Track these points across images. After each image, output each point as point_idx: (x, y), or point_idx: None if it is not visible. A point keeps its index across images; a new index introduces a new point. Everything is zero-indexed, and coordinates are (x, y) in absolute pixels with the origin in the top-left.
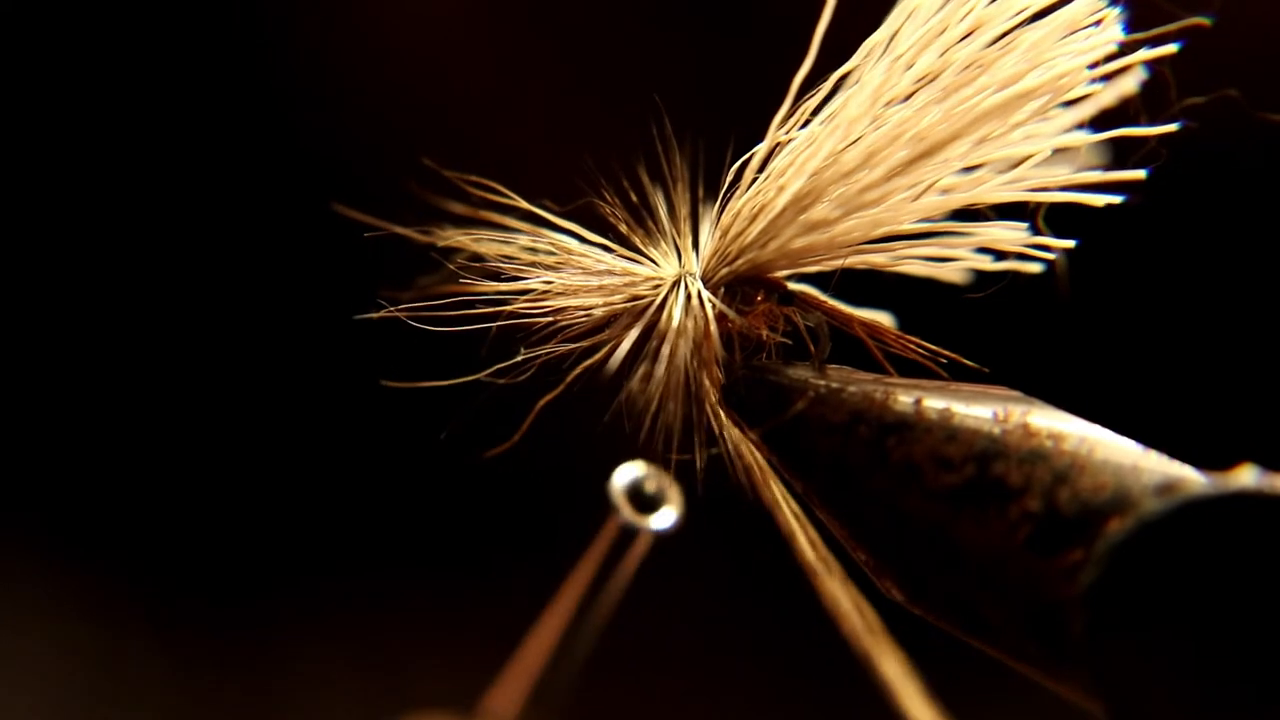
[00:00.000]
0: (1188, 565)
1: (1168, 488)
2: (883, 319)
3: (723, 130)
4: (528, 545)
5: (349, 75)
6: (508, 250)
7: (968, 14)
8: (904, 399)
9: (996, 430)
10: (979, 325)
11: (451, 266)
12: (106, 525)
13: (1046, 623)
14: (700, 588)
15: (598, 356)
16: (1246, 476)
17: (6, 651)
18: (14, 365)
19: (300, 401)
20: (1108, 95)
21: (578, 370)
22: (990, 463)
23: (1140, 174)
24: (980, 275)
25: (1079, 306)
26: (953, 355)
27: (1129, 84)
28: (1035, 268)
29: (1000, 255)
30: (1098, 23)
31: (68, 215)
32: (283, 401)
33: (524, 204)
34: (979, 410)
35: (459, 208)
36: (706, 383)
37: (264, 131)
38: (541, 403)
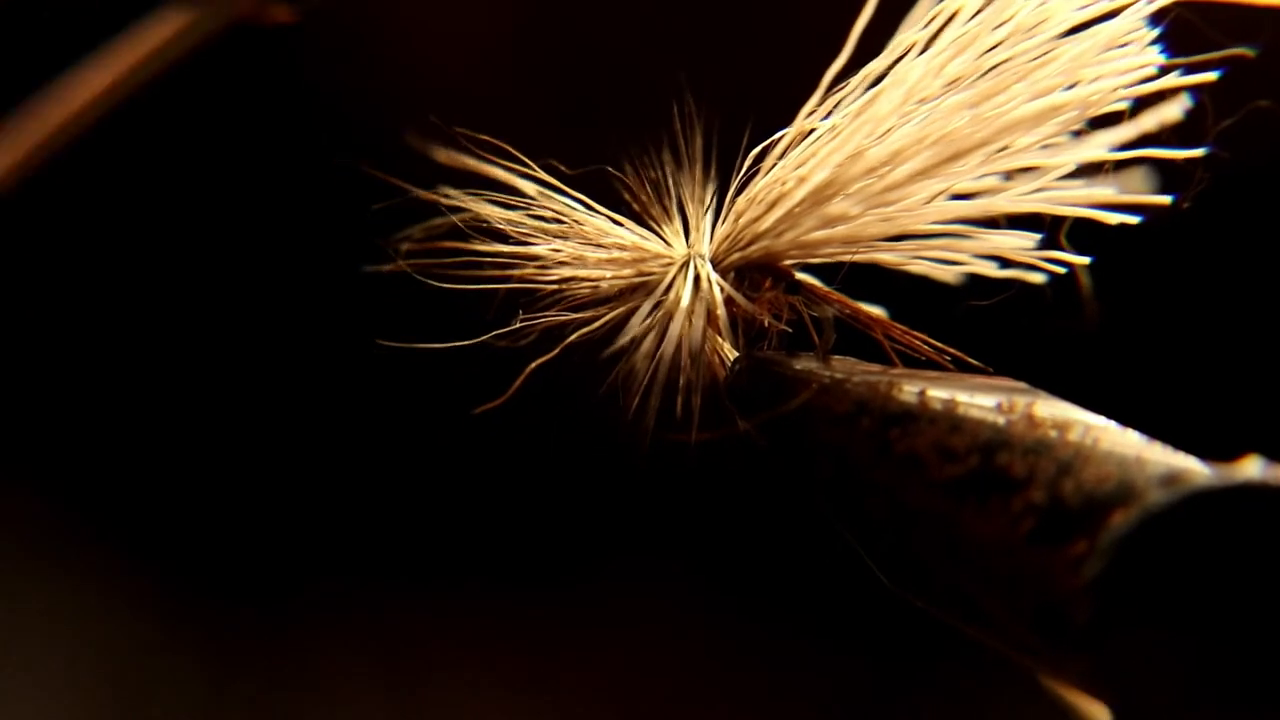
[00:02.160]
0: (1192, 557)
1: (1172, 479)
2: (881, 313)
3: (740, 115)
4: (552, 554)
5: (367, 41)
6: (515, 215)
7: (1007, 21)
8: (908, 389)
9: (1001, 421)
10: (983, 319)
11: (459, 223)
12: (128, 523)
13: (1050, 616)
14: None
15: (597, 325)
16: (1251, 468)
17: (25, 653)
18: (30, 357)
19: (327, 399)
20: (1149, 119)
21: (574, 336)
22: (994, 454)
23: (1166, 199)
24: (990, 278)
25: (1096, 318)
26: (957, 353)
27: (1173, 110)
28: (1040, 277)
29: (1007, 262)
30: (1137, 43)
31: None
32: (310, 399)
33: (535, 169)
34: (983, 400)
35: (469, 163)
36: (710, 367)
37: (275, 92)
38: (532, 365)
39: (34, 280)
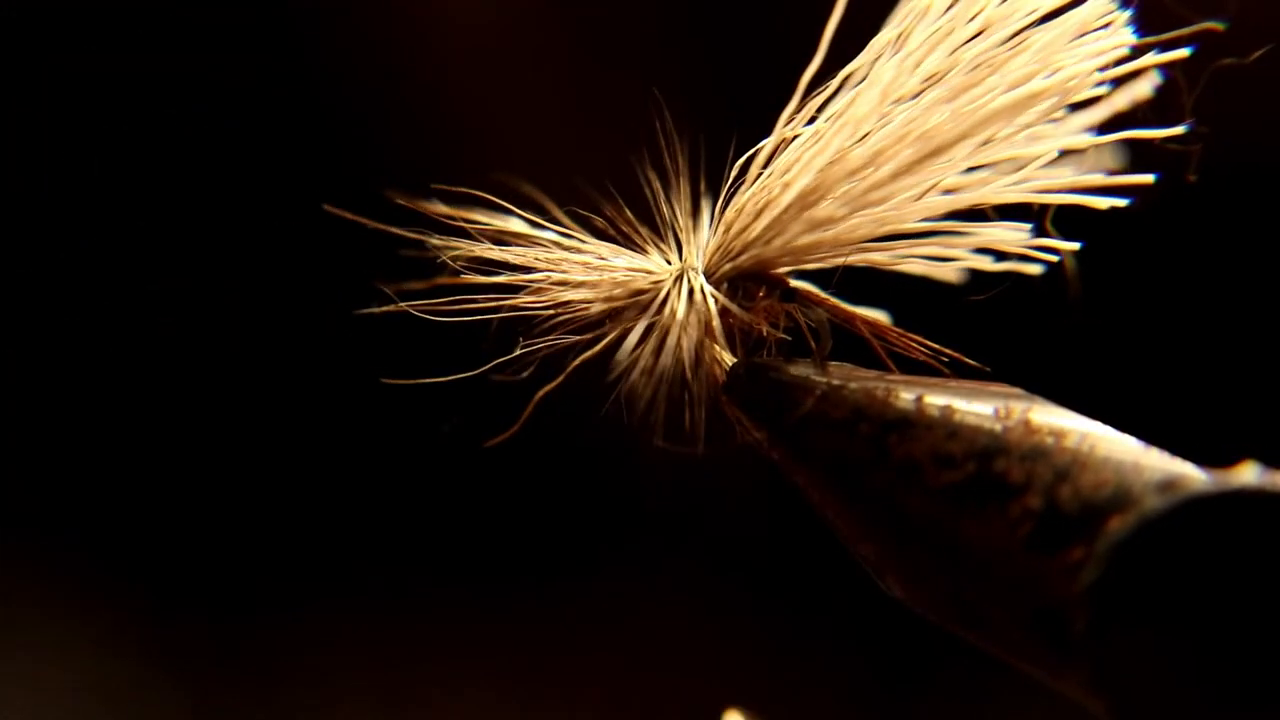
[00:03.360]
0: (1189, 563)
1: (1169, 485)
2: (878, 316)
3: (723, 127)
4: (544, 558)
5: (357, 72)
6: (509, 244)
7: (978, 14)
8: (905, 396)
9: (998, 427)
10: (979, 323)
11: (451, 262)
12: (113, 539)
13: (1048, 621)
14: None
15: (597, 349)
16: (1248, 474)
17: (20, 662)
18: (15, 374)
19: (311, 409)
20: (1121, 99)
21: (577, 361)
22: (991, 460)
23: (1149, 178)
24: (982, 275)
25: (1080, 303)
26: (954, 354)
27: (1143, 88)
28: (1035, 269)
29: (1001, 256)
30: (1108, 25)
31: (67, 211)
32: (292, 409)
33: (527, 197)
34: (980, 407)
35: (463, 213)
36: (708, 379)
37: (274, 125)
38: (540, 394)
39: (38, 311)
